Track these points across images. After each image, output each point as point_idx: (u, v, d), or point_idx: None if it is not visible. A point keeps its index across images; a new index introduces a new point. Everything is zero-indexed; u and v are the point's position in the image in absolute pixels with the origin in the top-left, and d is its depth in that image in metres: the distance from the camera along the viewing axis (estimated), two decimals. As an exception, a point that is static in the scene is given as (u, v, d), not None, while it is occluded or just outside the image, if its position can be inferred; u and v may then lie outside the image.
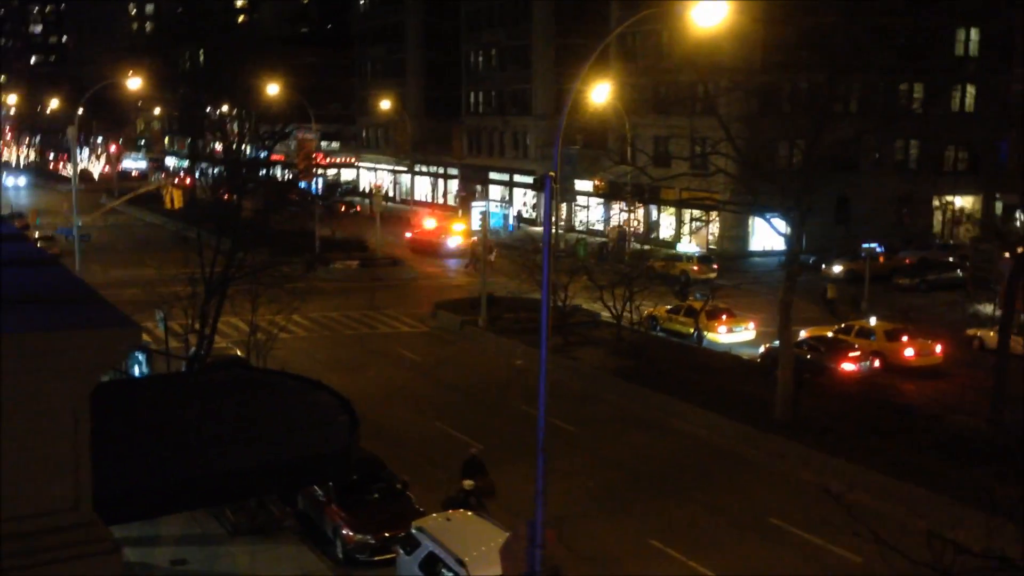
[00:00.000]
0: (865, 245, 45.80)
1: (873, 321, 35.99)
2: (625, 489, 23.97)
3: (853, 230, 52.38)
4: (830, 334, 35.51)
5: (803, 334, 35.36)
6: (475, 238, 50.90)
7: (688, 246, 60.46)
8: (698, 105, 48.57)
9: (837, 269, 51.70)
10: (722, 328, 37.78)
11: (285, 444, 13.28)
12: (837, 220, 55.38)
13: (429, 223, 66.73)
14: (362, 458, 18.78)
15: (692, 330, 37.61)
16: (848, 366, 32.51)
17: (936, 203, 64.00)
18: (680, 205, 61.69)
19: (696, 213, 55.83)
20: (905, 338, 34.43)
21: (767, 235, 52.10)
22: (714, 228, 60.15)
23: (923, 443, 24.66)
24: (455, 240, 61.79)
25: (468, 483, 21.15)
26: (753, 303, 42.41)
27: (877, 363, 33.24)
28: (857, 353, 33.12)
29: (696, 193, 54.95)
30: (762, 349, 35.15)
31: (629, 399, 30.86)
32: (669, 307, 39.60)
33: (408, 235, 65.16)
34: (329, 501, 20.69)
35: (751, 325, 38.51)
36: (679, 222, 64.00)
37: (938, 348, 34.52)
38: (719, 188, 47.05)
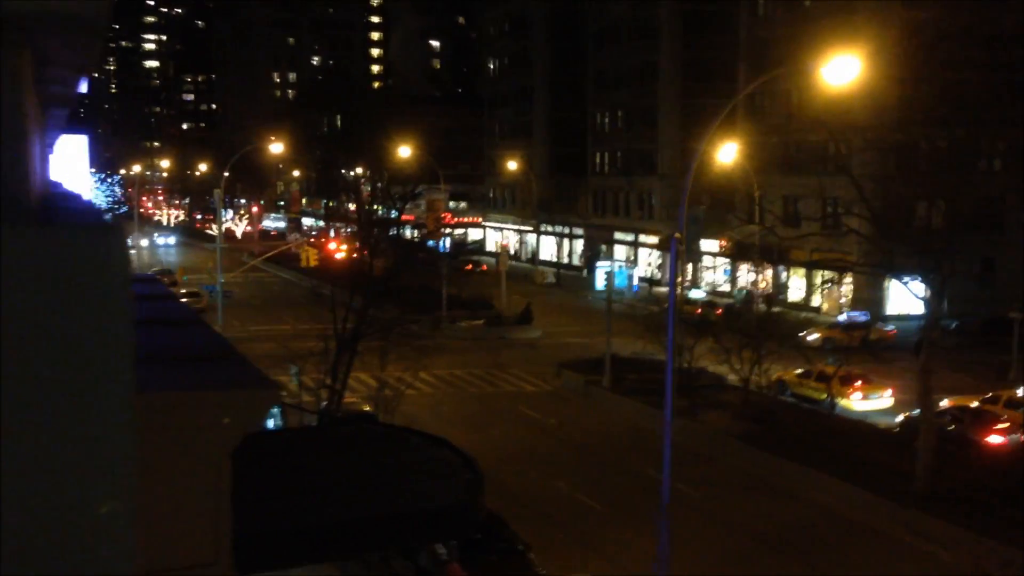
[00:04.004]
0: (852, 313, 42.78)
1: (1022, 391, 33.86)
2: (749, 558, 23.13)
3: (999, 293, 49.68)
4: (975, 404, 33.60)
5: (945, 403, 33.58)
6: None
7: (696, 291, 60.97)
8: (829, 165, 47.47)
9: (812, 337, 46.77)
10: (856, 395, 36.29)
11: (411, 500, 13.45)
12: (981, 283, 52.64)
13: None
14: (484, 517, 18.79)
15: (824, 396, 36.29)
16: (995, 438, 30.62)
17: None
18: (810, 266, 60.01)
19: (827, 275, 54.18)
20: (1059, 409, 32.23)
21: (905, 298, 49.99)
22: (847, 290, 58.20)
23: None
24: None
25: None
26: (891, 369, 40.58)
27: (1028, 436, 31.20)
28: (1005, 425, 31.17)
29: (827, 254, 53.38)
30: (901, 418, 33.55)
31: (755, 465, 29.91)
32: (799, 371, 38.40)
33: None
34: (451, 559, 20.75)
35: (888, 392, 36.84)
36: (809, 284, 62.24)
37: (1097, 421, 32.12)
38: (851, 249, 45.57)
